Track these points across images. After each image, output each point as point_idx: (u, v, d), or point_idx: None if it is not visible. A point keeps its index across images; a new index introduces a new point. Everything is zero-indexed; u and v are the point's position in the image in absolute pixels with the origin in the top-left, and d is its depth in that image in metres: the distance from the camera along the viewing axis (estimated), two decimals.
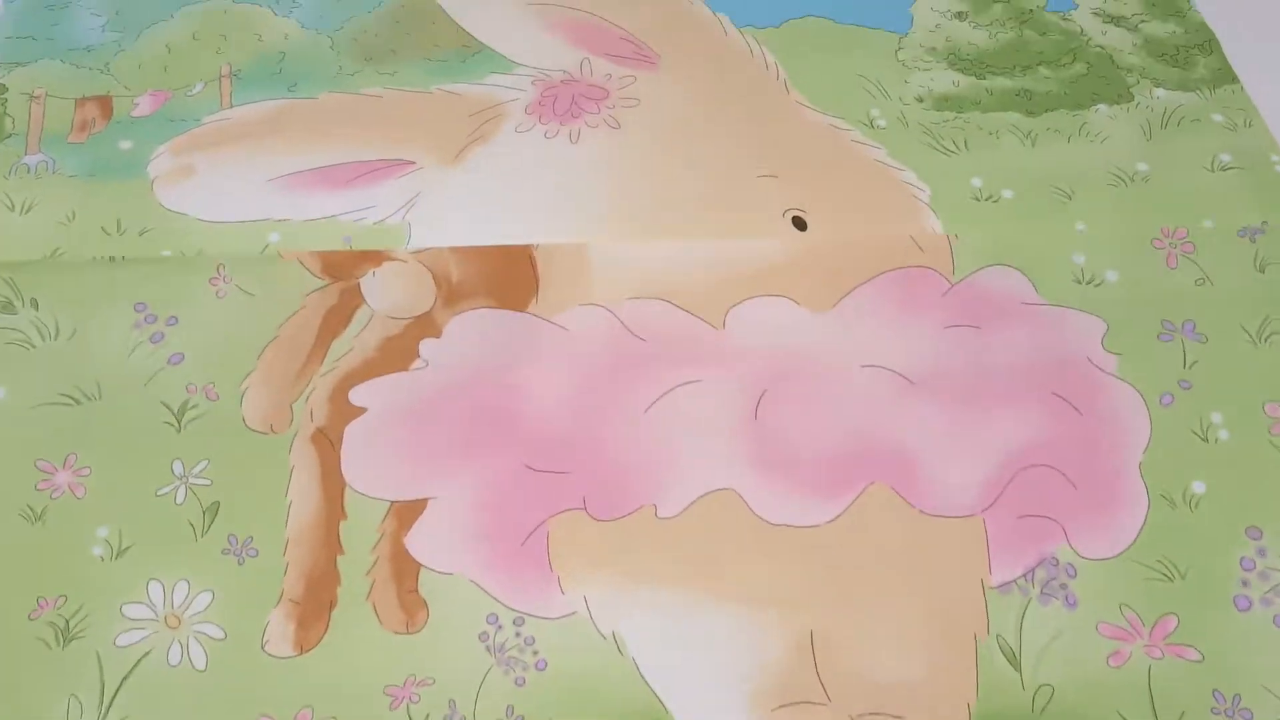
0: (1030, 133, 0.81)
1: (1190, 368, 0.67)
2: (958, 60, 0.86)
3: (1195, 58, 0.87)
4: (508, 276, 0.70)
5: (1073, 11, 0.90)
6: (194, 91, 0.81)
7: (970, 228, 0.75)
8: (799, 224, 0.74)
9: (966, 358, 0.67)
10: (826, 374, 0.67)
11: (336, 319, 0.68)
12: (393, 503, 0.62)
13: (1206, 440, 0.65)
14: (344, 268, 0.70)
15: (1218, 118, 0.83)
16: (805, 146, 0.79)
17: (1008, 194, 0.77)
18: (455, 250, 0.71)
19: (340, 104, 0.80)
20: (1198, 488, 0.63)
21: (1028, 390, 0.66)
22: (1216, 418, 0.66)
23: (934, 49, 0.87)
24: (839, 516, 0.62)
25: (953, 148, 0.80)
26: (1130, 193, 0.77)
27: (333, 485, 0.62)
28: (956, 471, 0.63)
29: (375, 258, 0.71)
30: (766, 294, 0.70)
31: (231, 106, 0.80)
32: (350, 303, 0.69)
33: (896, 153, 0.79)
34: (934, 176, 0.78)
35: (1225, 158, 0.80)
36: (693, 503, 0.62)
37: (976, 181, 0.78)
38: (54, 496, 0.62)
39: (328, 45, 0.84)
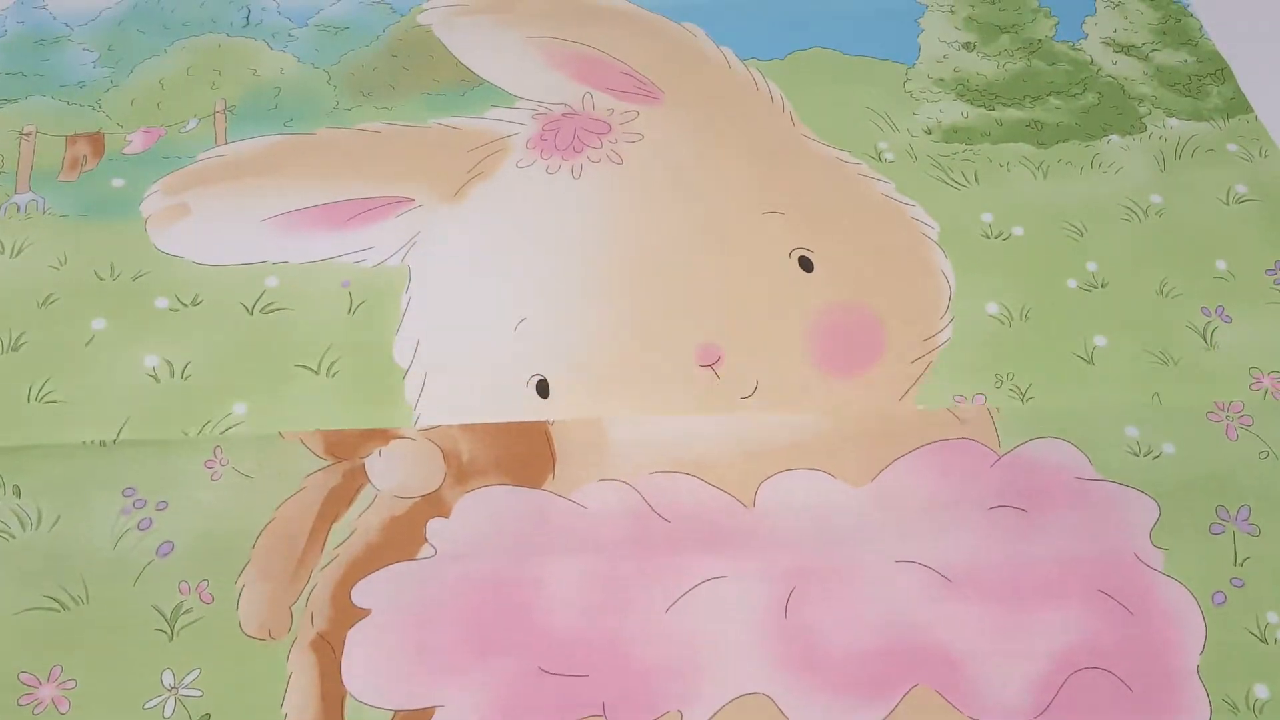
0: (1042, 164, 0.82)
1: (1242, 564, 0.64)
2: (966, 91, 0.87)
3: (1208, 87, 0.88)
4: (522, 452, 0.66)
5: (1082, 41, 0.91)
6: (188, 128, 0.81)
7: (980, 269, 0.75)
8: (805, 264, 0.75)
9: (1010, 546, 0.64)
10: (862, 565, 0.63)
11: (339, 500, 0.65)
12: (396, 713, 0.59)
13: (1265, 641, 0.62)
14: (348, 447, 0.66)
15: (1232, 148, 0.83)
16: (812, 182, 0.79)
17: (1018, 230, 0.78)
18: (466, 428, 0.67)
19: (337, 139, 0.81)
20: (1261, 692, 0.60)
21: (1074, 585, 0.63)
22: (1273, 617, 0.63)
23: (942, 80, 0.88)
24: None
25: (962, 181, 0.80)
26: (1144, 228, 0.78)
27: (332, 695, 0.59)
28: (1005, 674, 0.60)
29: (381, 436, 0.67)
30: (800, 467, 0.66)
31: (226, 143, 0.81)
32: (354, 483, 0.65)
33: (905, 186, 0.80)
34: (943, 211, 0.78)
35: (1241, 189, 0.80)
36: (722, 708, 0.59)
37: (987, 217, 0.78)
38: (36, 712, 0.58)
39: (324, 80, 0.84)
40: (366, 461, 0.66)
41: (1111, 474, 0.67)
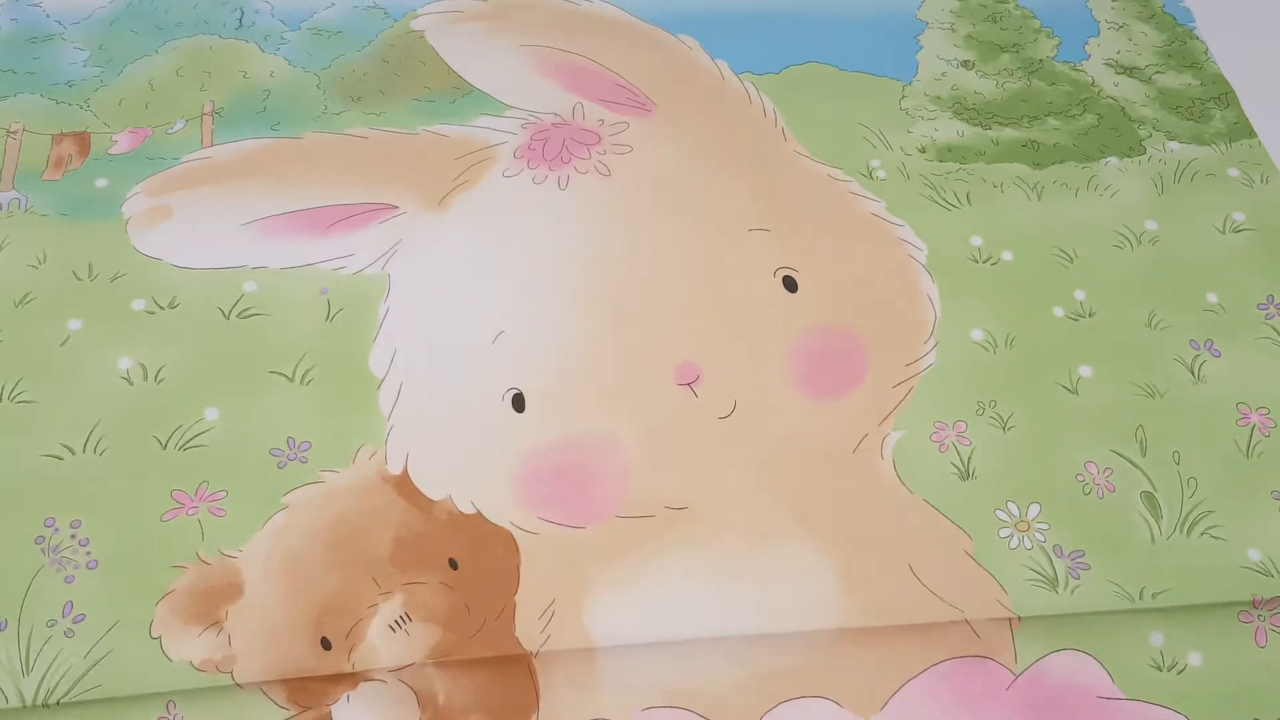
0: (1036, 185, 0.81)
1: None
2: (963, 110, 0.86)
3: (1211, 111, 0.87)
4: (503, 689, 0.61)
5: (1084, 62, 0.90)
6: (174, 129, 0.81)
7: (966, 294, 0.75)
8: (789, 284, 0.74)
9: None
10: None
11: None
12: None
13: None
14: (313, 694, 0.61)
15: (1233, 173, 0.83)
16: (801, 199, 0.79)
17: (1007, 255, 0.77)
18: (443, 666, 0.62)
19: (323, 144, 0.81)
20: None
21: None
22: None
23: (939, 98, 0.87)
24: None
25: (954, 201, 0.80)
26: (1136, 256, 0.78)
27: None
28: None
29: (350, 680, 0.61)
30: (804, 694, 0.62)
31: (212, 145, 0.81)
32: None
33: (895, 205, 0.79)
34: (932, 233, 0.78)
35: (1239, 217, 0.80)
36: None
37: (976, 240, 0.78)
38: None
39: (314, 84, 0.84)
40: (335, 709, 0.61)
41: (1134, 691, 0.63)
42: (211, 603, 0.63)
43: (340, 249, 0.75)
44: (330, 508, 0.66)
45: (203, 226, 0.75)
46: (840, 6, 0.92)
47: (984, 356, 0.73)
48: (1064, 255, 0.77)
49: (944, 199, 0.80)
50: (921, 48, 0.90)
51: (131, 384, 0.69)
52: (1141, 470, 0.69)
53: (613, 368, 0.71)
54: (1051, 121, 0.86)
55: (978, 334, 0.74)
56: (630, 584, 0.65)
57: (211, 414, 0.69)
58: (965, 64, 0.90)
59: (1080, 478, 0.69)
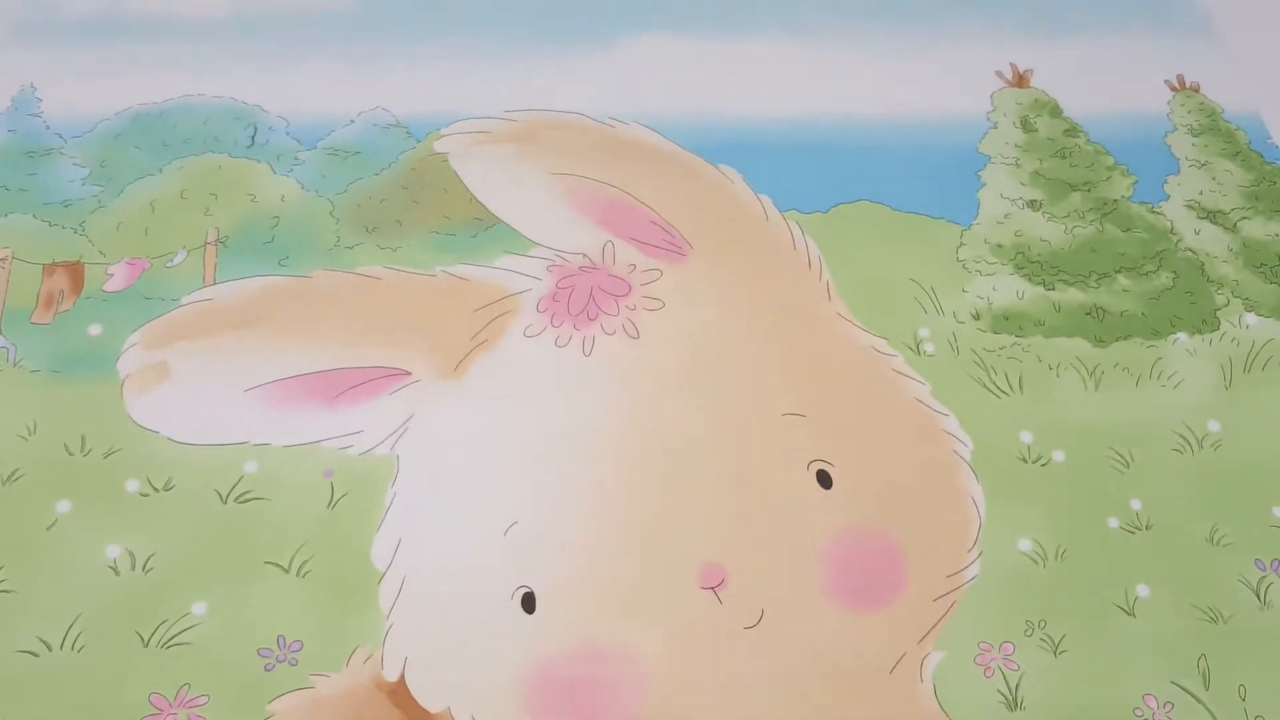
0: (1095, 369, 0.79)
1: None
2: (1026, 262, 0.84)
3: None
4: None
5: (1163, 203, 0.87)
6: (174, 261, 0.80)
7: (1013, 498, 0.73)
8: (823, 479, 0.72)
9: None
10: None
11: None
12: None
13: None
14: None
15: None
16: (841, 378, 0.76)
17: (1059, 455, 0.75)
18: None
19: (334, 286, 0.79)
20: None
21: None
22: None
23: (1000, 245, 0.84)
24: None
25: (1005, 387, 0.78)
26: (1197, 462, 0.75)
27: None
28: None
29: None
30: None
31: (214, 282, 0.79)
32: None
33: (942, 388, 0.77)
34: (980, 426, 0.75)
35: None
36: None
37: (1026, 436, 0.75)
38: None
39: (327, 210, 0.83)
40: None
41: None
42: None
43: (348, 424, 0.73)
44: (318, 719, 0.65)
45: (203, 392, 0.74)
46: (894, 139, 0.89)
47: (1032, 569, 0.71)
48: (1120, 458, 0.75)
49: (994, 383, 0.78)
50: (983, 184, 0.87)
51: (118, 574, 0.68)
52: (1205, 706, 0.67)
53: (632, 567, 0.70)
54: (1122, 280, 0.83)
55: (1025, 544, 0.72)
56: None
57: (199, 608, 0.68)
58: (1031, 204, 0.87)
59: (1139, 712, 0.67)
